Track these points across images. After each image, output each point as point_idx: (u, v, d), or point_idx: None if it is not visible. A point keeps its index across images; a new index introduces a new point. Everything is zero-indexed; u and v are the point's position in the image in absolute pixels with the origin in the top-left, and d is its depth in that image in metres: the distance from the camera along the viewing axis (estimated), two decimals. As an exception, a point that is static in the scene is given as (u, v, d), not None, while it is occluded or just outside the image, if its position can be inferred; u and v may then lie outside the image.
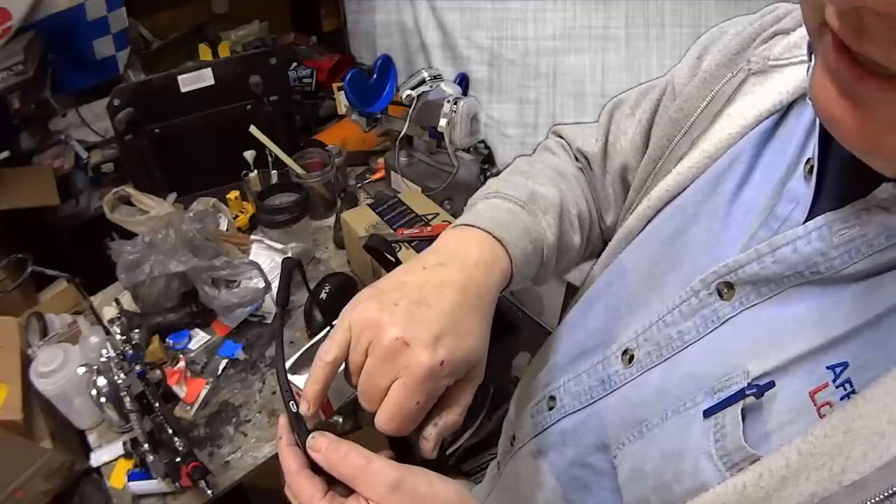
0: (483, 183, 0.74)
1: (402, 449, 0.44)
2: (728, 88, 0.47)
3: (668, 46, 1.10)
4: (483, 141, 1.35)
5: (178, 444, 0.82)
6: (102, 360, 0.86)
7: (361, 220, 1.12)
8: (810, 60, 0.36)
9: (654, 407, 0.42)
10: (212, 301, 1.04)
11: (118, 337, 0.89)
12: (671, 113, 0.51)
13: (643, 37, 1.12)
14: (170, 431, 0.83)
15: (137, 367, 0.86)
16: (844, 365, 0.33)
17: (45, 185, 1.30)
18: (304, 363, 0.95)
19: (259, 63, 1.29)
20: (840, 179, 0.36)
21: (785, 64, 0.44)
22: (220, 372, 1.03)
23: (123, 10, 1.43)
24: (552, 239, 0.54)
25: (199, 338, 1.08)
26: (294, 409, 0.42)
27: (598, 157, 0.62)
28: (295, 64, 1.67)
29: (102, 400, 0.86)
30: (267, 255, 1.18)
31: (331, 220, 1.32)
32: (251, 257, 1.18)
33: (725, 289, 0.40)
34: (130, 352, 0.87)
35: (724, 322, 0.40)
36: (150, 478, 0.83)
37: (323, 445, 0.40)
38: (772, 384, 0.35)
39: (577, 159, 0.64)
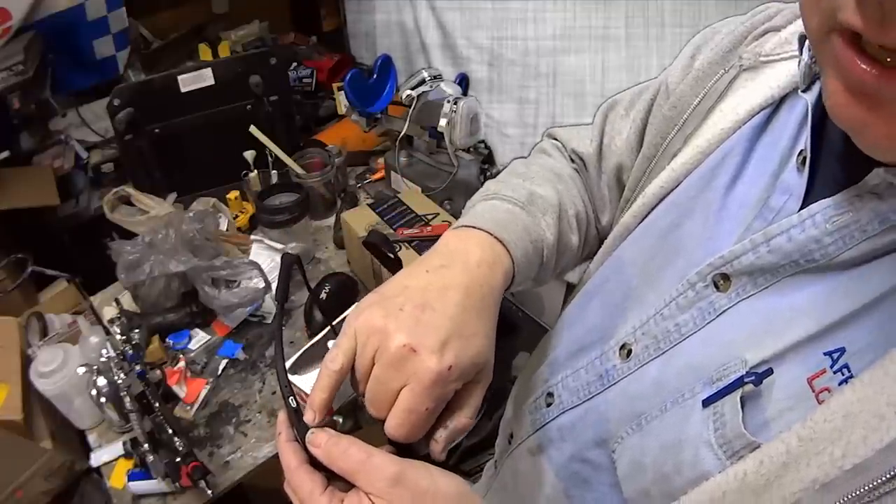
0: (483, 183, 0.74)
1: (402, 444, 0.44)
2: (720, 85, 0.47)
3: (668, 46, 1.10)
4: (483, 141, 1.35)
5: (178, 444, 0.82)
6: (102, 360, 0.86)
7: (361, 220, 1.12)
8: (801, 55, 0.38)
9: (653, 399, 0.42)
10: (212, 301, 1.03)
11: (118, 337, 0.89)
12: (665, 111, 0.52)
13: (643, 37, 1.12)
14: (170, 431, 0.83)
15: (137, 367, 0.86)
16: (842, 350, 0.33)
17: (45, 185, 1.30)
18: (304, 363, 0.95)
19: (259, 63, 1.29)
20: (832, 169, 0.36)
21: (776, 59, 0.44)
22: (220, 372, 1.03)
23: (123, 10, 1.43)
24: (552, 239, 0.54)
25: (199, 338, 1.08)
26: (293, 404, 0.42)
27: (594, 158, 0.62)
28: (295, 64, 1.67)
29: (102, 400, 0.86)
30: (267, 255, 1.18)
31: (331, 220, 1.32)
32: (251, 257, 1.18)
33: (721, 280, 0.40)
34: (130, 352, 0.87)
35: (720, 313, 0.40)
36: (150, 478, 0.83)
37: (323, 440, 0.40)
38: (770, 371, 0.35)
39: (572, 161, 0.64)
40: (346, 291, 1.10)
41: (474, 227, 0.50)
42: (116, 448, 0.91)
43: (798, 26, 0.44)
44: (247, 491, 1.14)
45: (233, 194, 1.31)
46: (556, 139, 0.67)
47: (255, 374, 1.03)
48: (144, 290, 1.04)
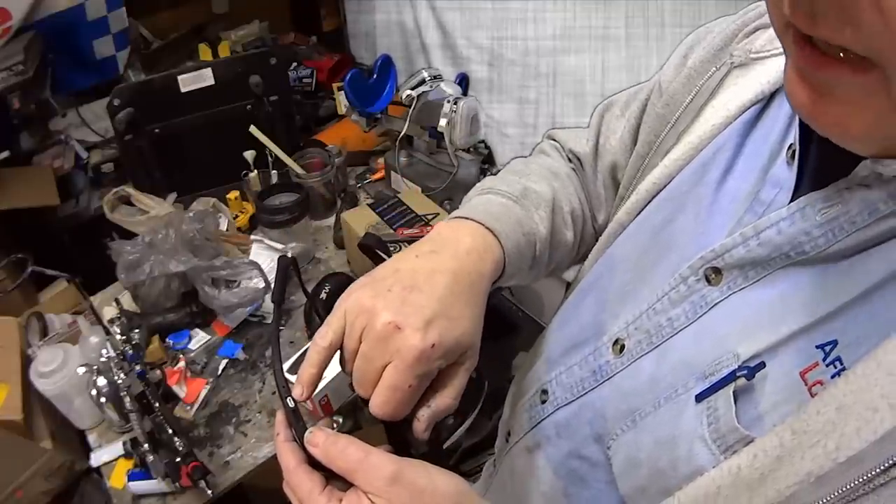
0: (482, 182, 0.75)
1: (401, 443, 0.44)
2: (712, 82, 0.48)
3: (668, 46, 1.10)
4: (483, 141, 1.35)
5: (178, 444, 0.82)
6: (102, 360, 0.86)
7: (361, 220, 1.12)
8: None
9: (647, 395, 0.42)
10: (212, 301, 1.04)
11: (118, 337, 0.89)
12: (658, 109, 0.53)
13: (643, 37, 1.12)
14: (170, 431, 0.83)
15: (137, 367, 0.86)
16: (834, 343, 0.33)
17: (45, 185, 1.30)
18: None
19: (259, 63, 1.29)
20: (821, 163, 0.37)
21: (766, 56, 0.45)
22: (220, 372, 1.03)
23: (123, 10, 1.43)
24: (545, 232, 0.55)
25: (199, 338, 1.08)
26: (291, 404, 0.42)
27: (590, 157, 0.63)
28: (295, 64, 1.67)
29: (102, 400, 0.86)
30: (267, 255, 1.18)
31: (331, 220, 1.32)
32: (251, 257, 1.18)
33: (713, 274, 0.40)
34: (130, 352, 0.87)
35: (712, 307, 0.40)
36: (150, 478, 0.83)
37: (321, 440, 0.40)
38: (762, 365, 0.35)
39: (569, 160, 0.65)
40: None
41: (467, 218, 0.51)
42: (116, 448, 0.91)
43: None
44: (247, 491, 1.14)
45: (233, 194, 1.31)
46: (554, 140, 0.68)
47: (255, 374, 1.03)
48: (144, 290, 1.04)
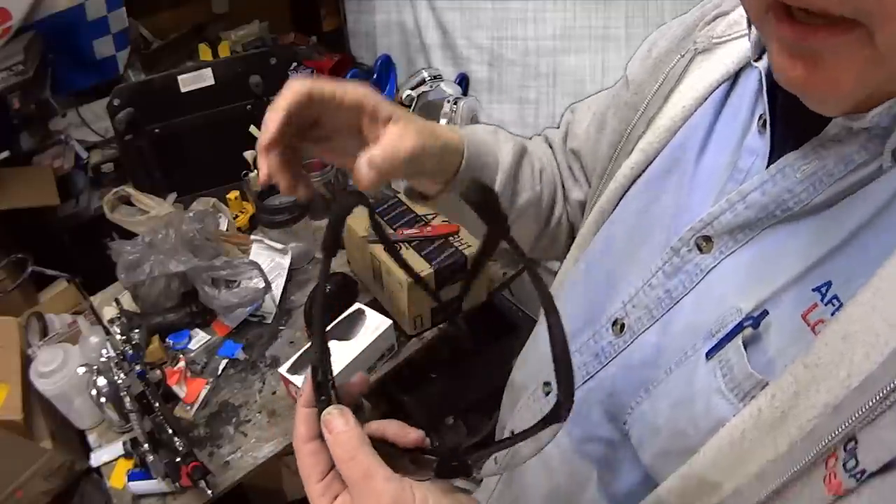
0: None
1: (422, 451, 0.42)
2: (677, 69, 0.50)
3: (668, 46, 1.10)
4: (483, 141, 1.35)
5: (178, 444, 0.82)
6: (102, 360, 0.86)
7: (361, 220, 1.12)
8: (749, 31, 0.43)
9: (656, 365, 0.44)
10: (212, 301, 1.04)
11: (118, 337, 0.89)
12: (626, 99, 0.55)
13: (643, 37, 1.11)
14: (170, 431, 0.83)
15: (137, 367, 0.86)
16: (829, 284, 0.35)
17: (45, 185, 1.30)
18: (303, 363, 0.95)
19: (259, 63, 1.29)
20: (791, 128, 0.39)
21: (728, 39, 0.48)
22: (220, 372, 1.03)
23: (123, 10, 1.43)
24: (509, 161, 0.58)
25: (199, 338, 1.08)
26: (319, 376, 0.38)
27: (560, 146, 0.67)
28: (295, 64, 1.67)
29: (102, 400, 0.86)
30: (267, 255, 1.19)
31: (331, 220, 1.32)
32: (251, 257, 1.18)
33: (704, 242, 0.42)
34: (130, 352, 0.87)
35: (707, 273, 0.42)
36: (150, 478, 0.83)
37: (337, 428, 0.37)
38: (765, 313, 0.37)
39: (549, 146, 0.70)
40: (346, 291, 1.10)
41: None
42: (116, 448, 0.91)
43: None
44: (247, 491, 1.14)
45: (233, 194, 1.31)
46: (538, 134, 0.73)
47: (255, 374, 1.03)
48: (144, 290, 1.04)
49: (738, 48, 0.46)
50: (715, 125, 0.46)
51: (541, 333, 0.59)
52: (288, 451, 0.95)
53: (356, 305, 1.00)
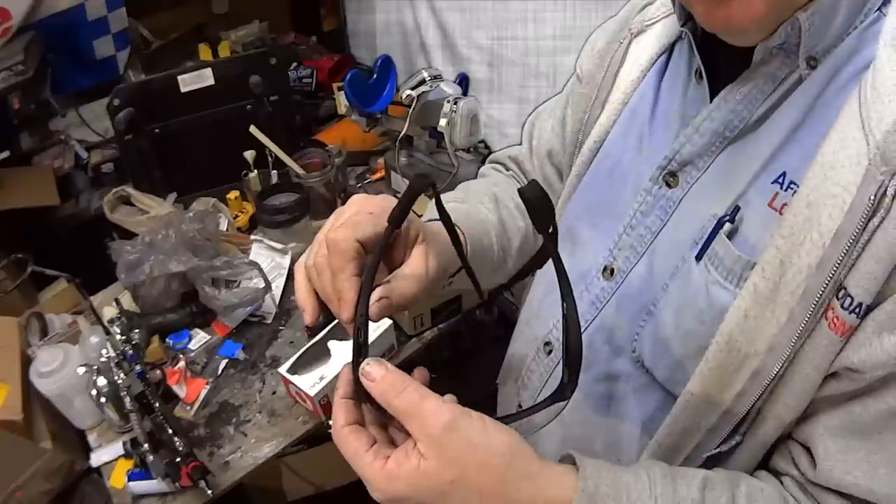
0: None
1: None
2: (619, 54, 0.57)
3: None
4: (483, 141, 1.35)
5: (178, 444, 0.82)
6: (102, 360, 0.86)
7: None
8: (674, 4, 0.49)
9: (652, 287, 0.49)
10: (212, 301, 1.04)
11: (118, 337, 0.89)
12: (580, 91, 0.61)
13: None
14: (170, 431, 0.83)
15: (137, 367, 0.86)
16: (783, 174, 0.42)
17: (45, 185, 1.30)
18: (304, 363, 0.95)
19: (259, 63, 1.29)
20: (723, 75, 0.45)
21: (658, 19, 0.55)
22: (220, 372, 1.03)
23: (123, 10, 1.43)
24: (494, 219, 0.63)
25: (199, 338, 1.08)
26: (361, 338, 0.39)
27: (527, 156, 0.71)
28: (295, 64, 1.67)
29: (102, 400, 0.86)
30: (267, 255, 1.18)
31: (331, 220, 1.32)
32: (251, 257, 1.18)
33: (671, 178, 0.49)
34: (130, 352, 0.87)
35: (679, 202, 0.48)
36: (150, 478, 0.83)
37: (378, 375, 0.37)
38: (738, 208, 0.43)
39: (507, 168, 0.74)
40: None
41: None
42: (116, 448, 0.91)
43: None
44: (247, 491, 1.14)
45: (233, 194, 1.31)
46: (493, 162, 0.77)
47: (255, 374, 1.03)
48: (144, 290, 1.04)
49: (669, 24, 0.53)
50: (660, 89, 0.53)
51: (529, 307, 0.65)
52: (288, 452, 0.95)
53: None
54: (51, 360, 0.90)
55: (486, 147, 1.38)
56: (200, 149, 1.30)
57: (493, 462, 0.36)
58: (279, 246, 1.19)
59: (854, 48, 0.40)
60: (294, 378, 0.92)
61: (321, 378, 0.91)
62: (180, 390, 0.99)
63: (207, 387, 1.00)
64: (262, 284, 1.06)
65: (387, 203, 0.43)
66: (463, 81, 1.31)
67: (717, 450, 0.45)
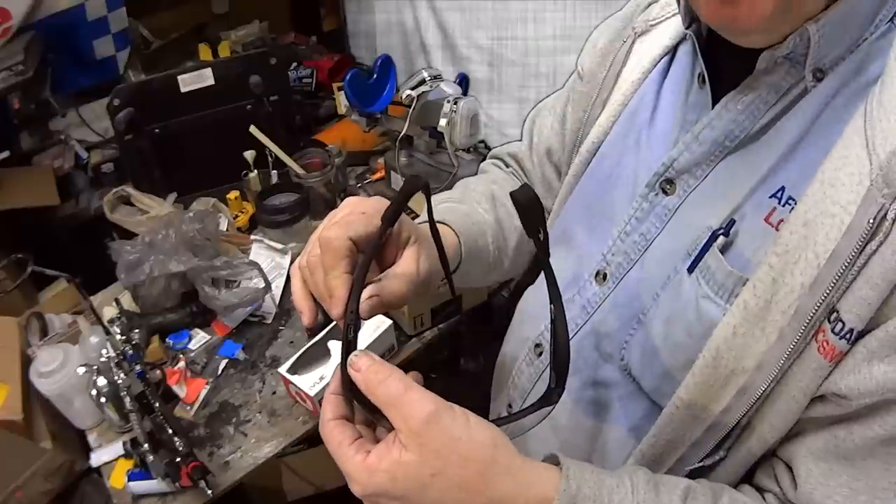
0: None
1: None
2: (621, 54, 0.56)
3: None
4: (483, 141, 1.35)
5: (178, 444, 0.82)
6: (102, 360, 0.86)
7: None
8: (679, 5, 0.48)
9: (643, 296, 0.48)
10: (212, 301, 1.04)
11: (118, 337, 0.89)
12: (581, 89, 0.61)
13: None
14: (170, 431, 0.83)
15: (137, 367, 0.86)
16: (782, 188, 0.41)
17: (45, 185, 1.30)
18: (304, 363, 0.95)
19: (259, 63, 1.29)
20: (726, 81, 0.44)
21: (662, 20, 0.54)
22: (220, 372, 1.03)
23: (123, 10, 1.43)
24: (491, 220, 0.63)
25: (199, 338, 1.08)
26: (351, 334, 0.39)
27: (527, 152, 0.71)
28: (295, 64, 1.67)
29: (102, 400, 0.86)
30: (267, 255, 1.18)
31: (331, 220, 1.32)
32: (251, 257, 1.18)
33: (668, 185, 0.47)
34: (130, 352, 0.87)
35: (675, 211, 0.47)
36: (150, 478, 0.83)
37: (364, 365, 0.37)
38: (733, 222, 0.42)
39: (507, 165, 0.73)
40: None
41: None
42: (116, 448, 0.91)
43: None
44: (247, 491, 1.14)
45: (233, 194, 1.31)
46: (493, 157, 0.76)
47: (255, 374, 1.03)
48: (144, 290, 1.04)
49: (673, 26, 0.52)
50: (661, 91, 0.52)
51: (522, 309, 0.64)
52: (288, 452, 0.95)
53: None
54: (51, 360, 0.90)
55: (486, 147, 1.38)
56: (200, 149, 1.30)
57: (474, 456, 0.36)
58: (279, 246, 1.19)
59: (862, 61, 0.39)
60: (294, 378, 0.92)
61: (321, 378, 0.91)
62: (180, 390, 0.99)
63: (207, 387, 1.00)
64: (262, 284, 1.06)
65: (379, 204, 0.44)
66: (463, 81, 1.31)
67: (701, 464, 0.45)
